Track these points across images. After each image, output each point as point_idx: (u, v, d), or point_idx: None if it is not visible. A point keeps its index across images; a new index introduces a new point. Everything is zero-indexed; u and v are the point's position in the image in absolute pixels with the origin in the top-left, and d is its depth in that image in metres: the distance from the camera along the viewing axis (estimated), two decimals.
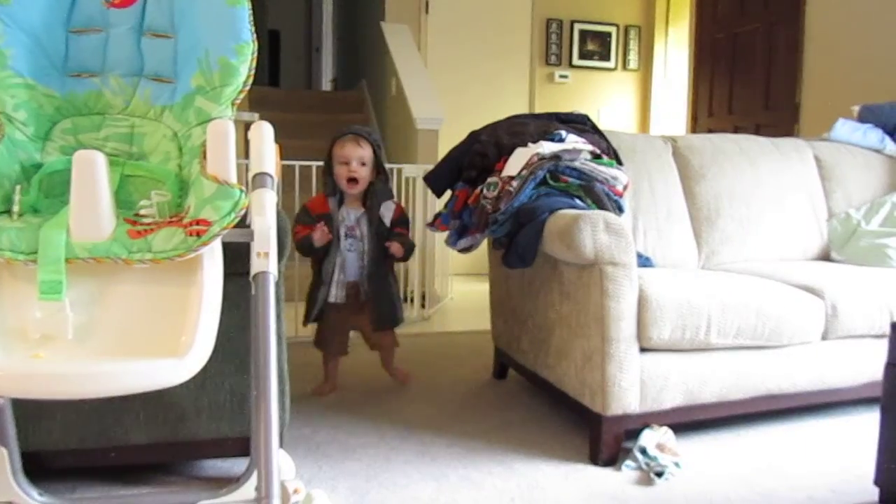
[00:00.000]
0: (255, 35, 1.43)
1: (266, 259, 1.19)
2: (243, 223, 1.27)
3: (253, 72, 1.42)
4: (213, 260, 1.20)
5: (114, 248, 1.18)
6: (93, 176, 1.14)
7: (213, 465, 1.95)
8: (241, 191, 1.23)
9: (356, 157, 2.47)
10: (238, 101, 1.40)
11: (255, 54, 1.42)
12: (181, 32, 1.45)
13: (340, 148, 2.48)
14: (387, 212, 2.55)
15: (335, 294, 2.53)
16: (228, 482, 1.64)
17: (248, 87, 1.40)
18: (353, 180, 2.48)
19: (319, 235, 2.42)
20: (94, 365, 1.09)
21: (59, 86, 1.44)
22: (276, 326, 1.46)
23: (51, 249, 1.16)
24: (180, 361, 1.08)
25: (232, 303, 1.37)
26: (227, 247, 1.30)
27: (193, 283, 1.17)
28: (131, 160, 1.37)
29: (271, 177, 1.29)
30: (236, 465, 1.91)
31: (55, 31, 1.45)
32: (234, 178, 1.24)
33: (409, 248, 2.57)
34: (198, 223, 1.19)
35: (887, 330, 1.82)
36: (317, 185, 3.90)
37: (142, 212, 1.27)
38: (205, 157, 1.24)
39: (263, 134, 1.32)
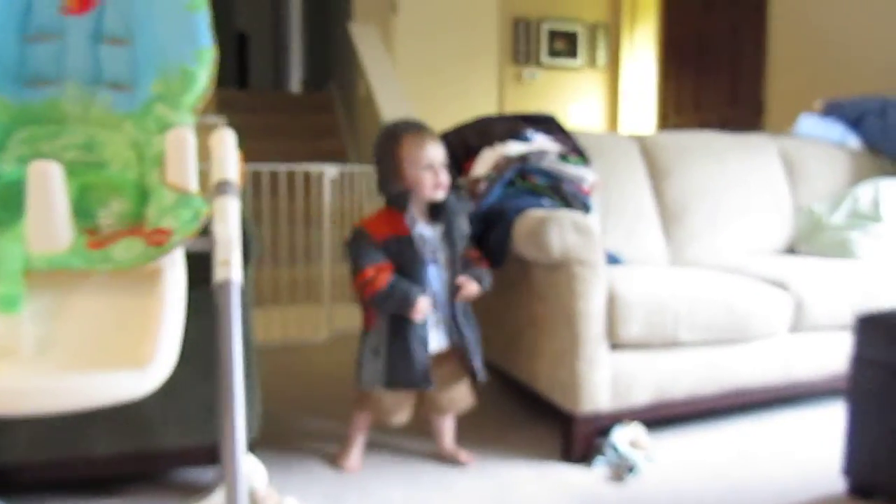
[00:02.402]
0: (215, 41, 1.41)
1: (228, 267, 1.18)
2: (207, 231, 1.26)
3: (213, 78, 1.40)
4: (175, 269, 1.19)
5: (73, 258, 1.16)
6: (48, 187, 1.12)
7: (184, 474, 1.93)
8: (202, 199, 1.22)
9: (440, 159, 1.94)
10: (199, 108, 1.38)
11: (216, 60, 1.40)
12: (139, 39, 1.42)
13: (417, 147, 1.91)
14: (465, 229, 2.02)
15: (438, 340, 1.95)
16: (199, 491, 1.62)
17: (208, 94, 1.39)
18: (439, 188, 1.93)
19: (423, 310, 1.85)
20: (53, 379, 1.06)
21: (14, 95, 1.41)
22: (243, 334, 1.44)
23: (7, 262, 1.14)
24: (143, 373, 1.07)
25: (199, 311, 1.36)
26: (193, 255, 1.28)
27: (155, 293, 1.15)
28: (90, 169, 1.34)
29: (234, 184, 1.27)
30: (207, 474, 1.89)
31: (9, 38, 1.42)
32: (194, 187, 1.23)
33: (485, 284, 2.01)
34: (158, 232, 1.17)
35: (852, 322, 1.85)
36: (288, 187, 3.89)
37: (101, 222, 1.25)
38: (165, 165, 1.22)
39: (225, 140, 1.30)
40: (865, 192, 2.96)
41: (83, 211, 1.28)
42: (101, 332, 1.15)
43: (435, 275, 1.92)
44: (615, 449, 2.00)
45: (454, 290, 1.93)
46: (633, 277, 2.17)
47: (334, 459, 2.03)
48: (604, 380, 2.02)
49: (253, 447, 1.86)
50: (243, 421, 1.19)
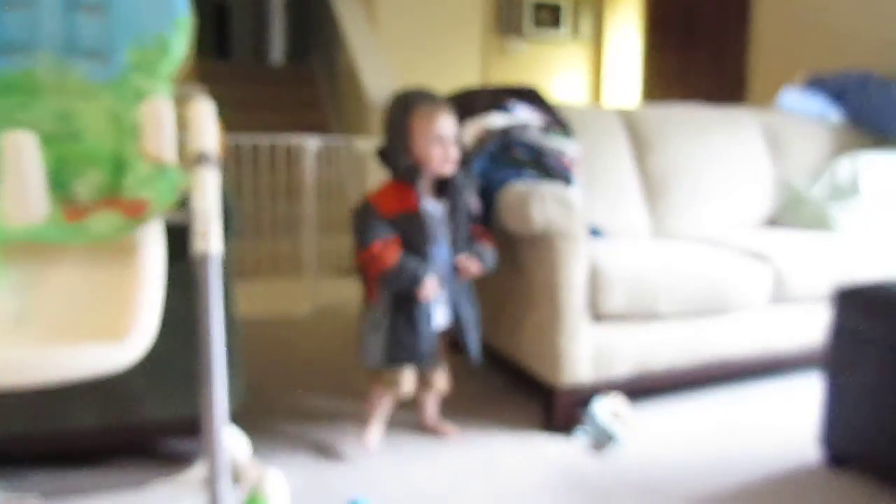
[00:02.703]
0: (192, 8, 1.38)
1: (207, 239, 1.17)
2: (186, 203, 1.25)
3: (190, 46, 1.38)
4: (153, 242, 1.18)
5: (49, 231, 1.15)
6: (23, 158, 1.11)
7: (168, 446, 1.93)
8: (180, 170, 1.20)
9: (452, 132, 1.86)
10: (177, 77, 1.36)
11: (193, 28, 1.38)
12: (115, 7, 1.39)
13: (429, 120, 1.82)
14: (471, 207, 1.98)
15: (443, 314, 1.91)
16: (183, 462, 1.63)
17: (185, 63, 1.37)
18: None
19: (431, 289, 1.82)
20: (32, 352, 1.06)
21: None
22: (225, 306, 1.44)
23: None
24: (122, 345, 1.06)
25: (182, 283, 1.35)
26: (175, 227, 1.27)
27: (133, 265, 1.14)
28: (66, 140, 1.32)
29: (213, 155, 1.26)
30: (191, 446, 1.89)
31: None
32: (172, 158, 1.21)
33: (488, 262, 1.97)
34: (136, 204, 1.16)
35: (830, 294, 1.87)
36: (270, 160, 3.86)
37: (77, 193, 1.23)
38: (142, 136, 1.21)
39: (203, 111, 1.29)
40: (845, 166, 2.98)
41: (59, 183, 1.26)
42: (80, 304, 1.14)
43: (440, 252, 1.87)
44: (595, 420, 2.02)
45: (456, 268, 1.90)
46: (614, 251, 2.18)
47: (357, 436, 1.98)
48: (585, 352, 2.04)
49: (236, 419, 1.86)
50: (224, 393, 1.19)
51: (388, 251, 1.79)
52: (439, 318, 1.89)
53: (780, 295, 2.32)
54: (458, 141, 1.88)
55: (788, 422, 2.15)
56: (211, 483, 1.17)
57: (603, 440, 1.98)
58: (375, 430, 1.98)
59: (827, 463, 1.87)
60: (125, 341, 1.06)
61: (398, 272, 1.79)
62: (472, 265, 1.91)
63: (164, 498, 1.56)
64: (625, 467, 1.86)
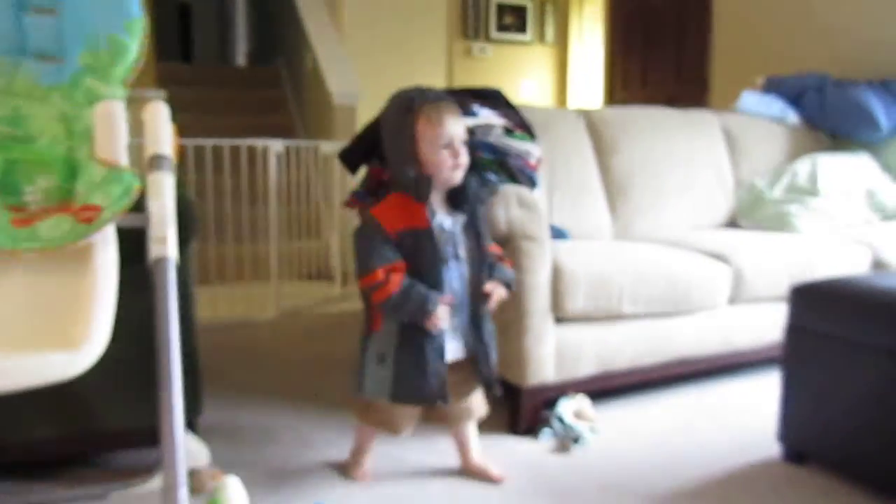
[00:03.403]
0: (146, 10, 1.36)
1: (164, 244, 1.15)
2: (141, 207, 1.23)
3: (145, 49, 1.36)
4: (106, 247, 1.15)
5: None
6: None
7: (127, 456, 1.89)
8: (133, 174, 1.18)
9: (460, 135, 1.66)
10: (131, 80, 1.34)
11: (149, 31, 1.36)
12: (66, 9, 1.36)
13: (437, 123, 1.61)
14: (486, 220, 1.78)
15: (455, 347, 1.69)
16: (143, 473, 1.60)
17: (139, 66, 1.34)
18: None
19: (442, 319, 1.61)
20: None
21: None
22: (184, 311, 1.42)
23: None
24: (74, 353, 1.04)
25: (139, 289, 1.33)
26: (131, 232, 1.25)
27: (86, 271, 1.12)
28: (16, 144, 1.29)
29: (168, 158, 1.24)
30: (151, 456, 1.86)
31: None
32: (124, 161, 1.19)
33: (514, 287, 1.79)
34: (88, 209, 1.13)
35: (787, 292, 1.90)
36: (233, 163, 3.81)
37: (27, 198, 1.20)
38: (94, 139, 1.18)
39: (158, 114, 1.27)
40: (804, 167, 3.04)
41: (9, 187, 1.24)
42: (31, 312, 1.11)
43: (455, 272, 1.65)
44: (561, 420, 2.03)
45: (477, 289, 1.68)
46: (577, 252, 2.19)
47: (344, 470, 1.83)
48: (549, 353, 2.05)
49: (196, 426, 1.83)
50: (181, 400, 1.17)
51: (393, 277, 1.58)
52: (451, 350, 1.67)
53: (740, 294, 2.35)
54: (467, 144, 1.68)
55: (749, 418, 2.18)
56: (169, 492, 1.15)
57: (568, 440, 1.99)
58: (367, 463, 1.83)
59: (785, 458, 1.90)
60: (77, 348, 1.04)
61: (403, 300, 1.57)
62: (501, 293, 1.71)
63: None
64: (589, 466, 1.88)
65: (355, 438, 1.86)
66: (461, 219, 1.68)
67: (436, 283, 1.61)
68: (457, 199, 1.68)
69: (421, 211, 1.61)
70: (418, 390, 1.64)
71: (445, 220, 1.66)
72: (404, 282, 1.58)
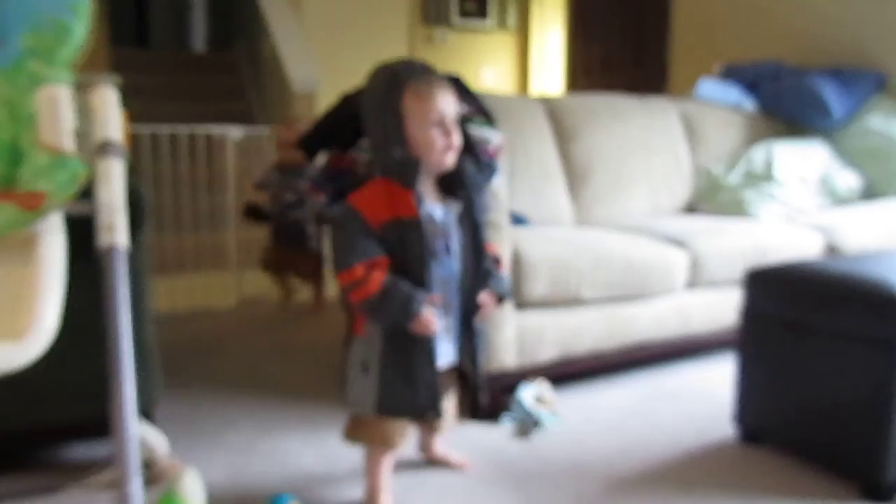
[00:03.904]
0: None
1: (113, 232, 1.12)
2: (89, 194, 1.20)
3: (91, 31, 1.32)
4: (53, 235, 1.12)
5: None
6: None
7: (78, 450, 1.86)
8: (80, 160, 1.15)
9: (452, 113, 1.48)
10: (77, 63, 1.30)
11: (93, 11, 1.32)
12: None
13: (427, 99, 1.44)
14: (485, 212, 1.62)
15: (446, 353, 1.54)
16: (94, 467, 1.57)
17: (86, 48, 1.30)
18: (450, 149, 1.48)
19: (429, 322, 1.44)
20: None
21: None
22: (137, 300, 1.39)
23: None
24: (20, 344, 1.01)
25: (90, 279, 1.30)
26: (83, 220, 1.22)
27: (32, 260, 1.09)
28: None
29: (118, 144, 1.21)
30: (103, 449, 1.83)
31: None
32: (71, 147, 1.16)
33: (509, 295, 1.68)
34: (32, 196, 1.10)
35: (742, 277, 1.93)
36: (191, 150, 3.75)
37: None
38: (38, 124, 1.15)
39: (107, 98, 1.23)
40: (759, 153, 3.08)
41: None
42: None
43: (447, 268, 1.50)
44: (521, 405, 2.04)
45: (471, 288, 1.53)
46: (537, 238, 2.20)
47: None
48: (510, 339, 2.05)
49: (154, 417, 1.80)
50: (133, 390, 1.15)
51: (373, 274, 1.41)
52: (443, 355, 1.52)
53: (697, 279, 2.39)
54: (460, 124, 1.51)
55: (705, 402, 2.21)
56: (121, 484, 1.13)
57: (529, 425, 2.01)
58: (387, 499, 1.59)
59: (741, 439, 1.93)
60: (23, 340, 1.01)
61: (384, 301, 1.40)
62: (493, 306, 1.58)
63: (75, 503, 1.51)
64: (550, 450, 1.89)
65: (367, 481, 1.60)
66: (455, 208, 1.52)
67: (423, 281, 1.44)
68: (450, 186, 1.52)
69: (407, 198, 1.44)
70: (407, 402, 1.48)
71: (436, 210, 1.49)
72: (385, 279, 1.42)
